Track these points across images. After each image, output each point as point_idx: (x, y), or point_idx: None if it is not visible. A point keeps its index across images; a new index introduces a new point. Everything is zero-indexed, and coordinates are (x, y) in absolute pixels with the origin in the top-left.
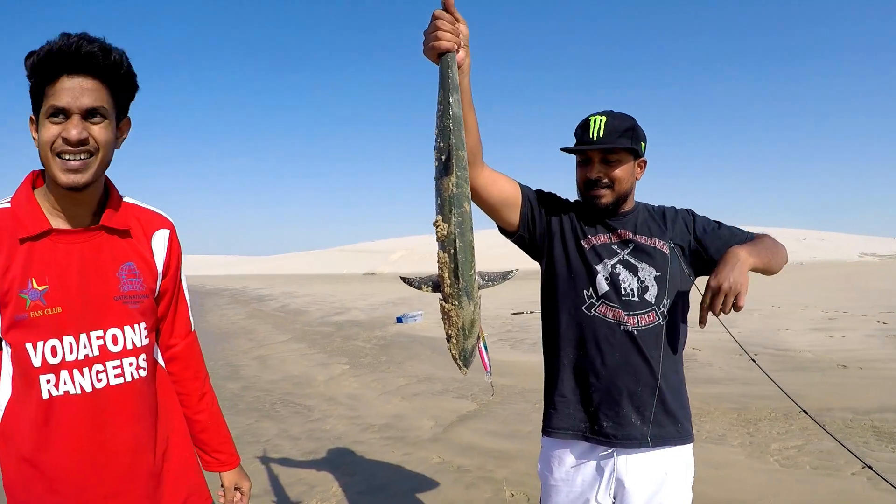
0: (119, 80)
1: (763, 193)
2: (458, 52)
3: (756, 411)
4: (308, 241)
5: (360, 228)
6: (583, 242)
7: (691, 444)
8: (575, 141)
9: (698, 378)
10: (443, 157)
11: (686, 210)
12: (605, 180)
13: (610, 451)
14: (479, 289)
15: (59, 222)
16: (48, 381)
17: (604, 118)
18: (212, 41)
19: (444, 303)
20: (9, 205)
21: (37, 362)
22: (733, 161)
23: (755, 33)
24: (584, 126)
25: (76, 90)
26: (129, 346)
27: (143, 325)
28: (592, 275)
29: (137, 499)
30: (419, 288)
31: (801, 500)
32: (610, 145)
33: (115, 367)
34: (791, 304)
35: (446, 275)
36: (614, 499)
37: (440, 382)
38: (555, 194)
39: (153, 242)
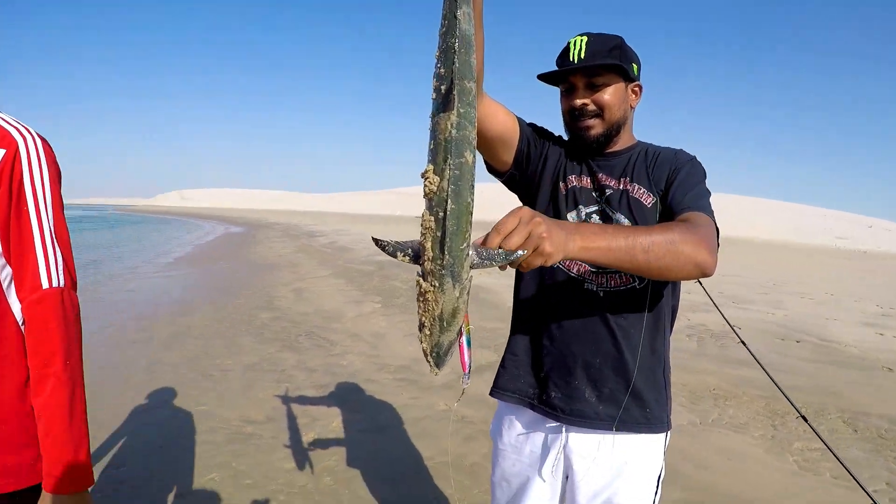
0: None
1: (832, 174)
2: None
3: (786, 403)
4: (367, 182)
5: (415, 172)
6: (560, 185)
7: (663, 434)
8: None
9: (730, 358)
10: (442, 88)
11: (684, 157)
12: (593, 107)
13: (558, 425)
14: (470, 268)
15: None
16: None
17: (584, 38)
18: None
19: (421, 280)
20: None
21: None
22: (799, 138)
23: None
24: (564, 50)
25: None
26: None
27: None
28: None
29: None
30: (394, 255)
31: None
32: (594, 64)
33: None
34: (845, 294)
35: (429, 245)
36: (566, 479)
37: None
38: (548, 130)
39: None
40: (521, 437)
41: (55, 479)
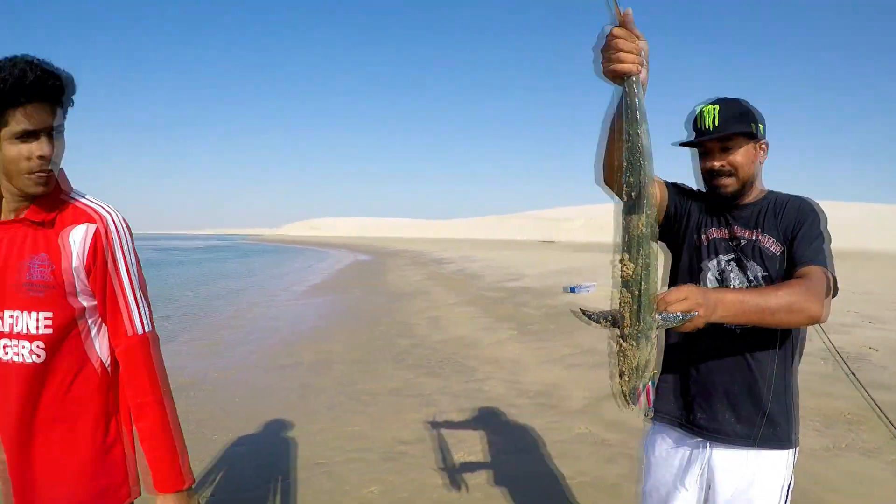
0: (68, 100)
1: None
2: (640, 72)
3: None
4: (488, 207)
5: (539, 196)
6: (701, 237)
7: (791, 450)
8: (690, 134)
9: (867, 381)
10: (633, 194)
11: (807, 209)
12: (728, 168)
13: (702, 441)
14: (656, 328)
15: (4, 214)
16: None
17: (716, 107)
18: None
19: (621, 341)
20: None
21: None
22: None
23: None
24: (695, 118)
25: (44, 115)
26: (24, 331)
27: (44, 314)
28: (703, 271)
29: (22, 472)
30: (597, 322)
31: None
32: (726, 132)
33: (15, 346)
34: None
35: (627, 315)
36: (708, 488)
37: (601, 355)
38: (687, 187)
39: (71, 236)
40: (670, 451)
41: (163, 482)
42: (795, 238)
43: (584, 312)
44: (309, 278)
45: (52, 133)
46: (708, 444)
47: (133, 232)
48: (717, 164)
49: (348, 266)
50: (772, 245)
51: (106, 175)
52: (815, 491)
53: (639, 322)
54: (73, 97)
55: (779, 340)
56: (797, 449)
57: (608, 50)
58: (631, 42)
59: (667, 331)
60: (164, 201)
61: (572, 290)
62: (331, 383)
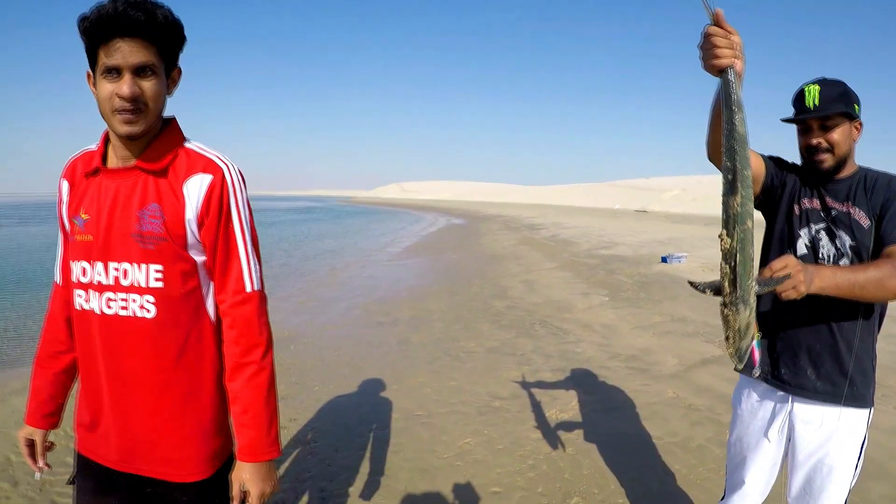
0: (165, 38)
1: None
2: (736, 65)
3: None
4: (583, 174)
5: (635, 164)
6: (794, 207)
7: (867, 410)
8: (794, 111)
9: None
10: (729, 177)
11: None
12: (825, 145)
13: (785, 395)
14: (754, 294)
15: (114, 162)
16: (79, 296)
17: (817, 87)
18: None
19: (723, 307)
20: (94, 147)
21: (74, 278)
22: None
23: None
24: (799, 97)
25: (125, 51)
26: (136, 284)
27: (154, 266)
28: (794, 238)
29: (126, 430)
30: (703, 291)
31: None
32: (826, 111)
33: (122, 300)
34: None
35: (726, 284)
36: (788, 441)
37: (692, 325)
38: (784, 160)
39: (186, 186)
40: (756, 404)
41: (251, 449)
42: (885, 216)
43: (691, 284)
44: (403, 240)
45: (139, 71)
46: (790, 399)
47: None
48: (815, 140)
49: (442, 229)
50: (862, 218)
51: (198, 131)
52: (893, 466)
53: (736, 290)
54: (180, 38)
55: (862, 311)
56: (873, 409)
57: (707, 47)
58: (725, 38)
59: (760, 299)
60: (258, 162)
61: (664, 259)
62: (429, 340)
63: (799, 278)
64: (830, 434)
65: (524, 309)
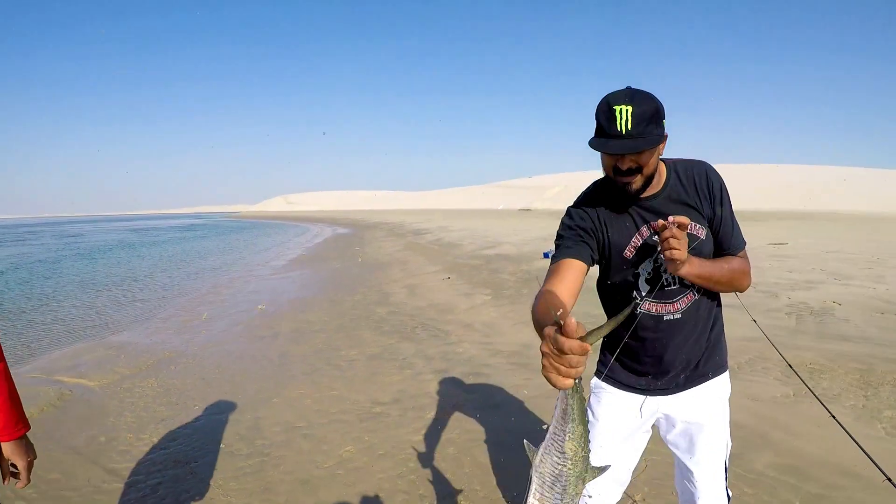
0: None
1: None
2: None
3: (881, 374)
4: (467, 177)
5: (517, 164)
6: (625, 253)
7: (727, 372)
8: (598, 129)
9: (829, 334)
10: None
11: (716, 183)
12: (636, 166)
13: (651, 394)
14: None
15: None
16: None
17: (629, 108)
18: None
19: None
20: None
21: None
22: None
23: None
24: (608, 116)
25: None
26: None
27: None
28: (635, 279)
29: None
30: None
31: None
32: (641, 146)
33: None
34: None
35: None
36: (662, 419)
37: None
38: (585, 214)
39: None
40: (615, 402)
41: (8, 430)
42: (719, 227)
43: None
44: (286, 253)
45: None
46: (657, 397)
47: (110, 213)
48: (626, 166)
49: (327, 239)
50: (697, 230)
51: (81, 157)
52: (776, 436)
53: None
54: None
55: (705, 305)
56: (728, 370)
57: (555, 366)
58: (581, 356)
59: (610, 311)
60: (140, 182)
61: (546, 255)
62: (310, 351)
63: (684, 244)
64: (697, 404)
65: (406, 314)
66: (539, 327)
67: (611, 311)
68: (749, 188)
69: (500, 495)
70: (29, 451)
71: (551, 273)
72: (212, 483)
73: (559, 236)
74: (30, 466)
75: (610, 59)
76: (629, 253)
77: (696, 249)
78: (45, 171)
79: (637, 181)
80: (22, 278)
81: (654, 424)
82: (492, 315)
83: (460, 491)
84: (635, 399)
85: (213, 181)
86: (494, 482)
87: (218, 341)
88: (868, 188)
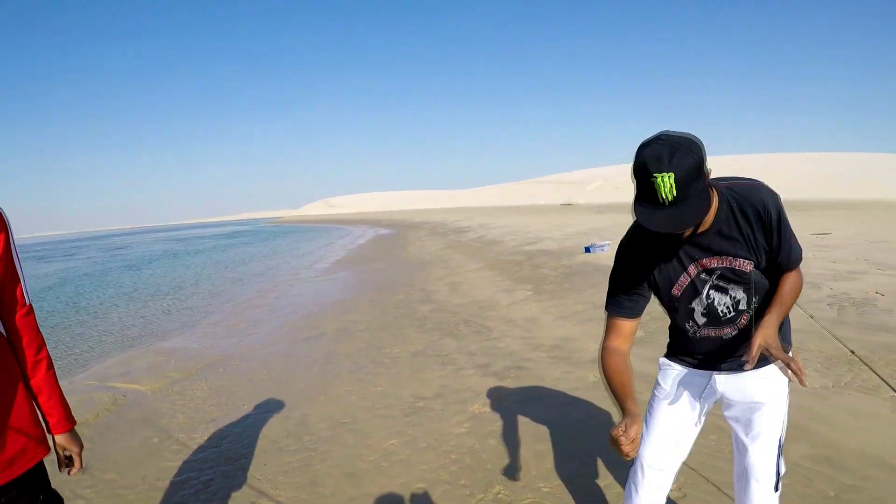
0: None
1: None
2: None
3: None
4: (508, 174)
5: (558, 159)
6: (673, 291)
7: (789, 352)
8: (639, 195)
9: (871, 324)
10: None
11: (772, 210)
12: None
13: (707, 372)
14: None
15: None
16: None
17: (671, 175)
18: None
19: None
20: None
21: None
22: None
23: None
24: (648, 188)
25: None
26: None
27: None
28: (690, 313)
29: None
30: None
31: None
32: (690, 222)
33: None
34: None
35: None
36: (716, 399)
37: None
38: (631, 261)
39: None
40: (676, 380)
41: (63, 422)
42: (777, 252)
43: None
44: (330, 255)
45: None
46: (712, 374)
47: (155, 224)
48: (676, 231)
49: (369, 241)
50: (744, 265)
51: (126, 171)
52: (814, 427)
53: None
54: None
55: (758, 315)
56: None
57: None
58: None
59: (673, 328)
60: (185, 192)
61: (588, 249)
62: (354, 349)
63: (777, 353)
64: (761, 384)
65: (448, 311)
66: (609, 392)
67: (672, 326)
68: (798, 177)
69: (540, 485)
70: (79, 440)
71: (610, 329)
72: (261, 477)
73: (612, 280)
74: (81, 453)
75: (651, 51)
76: (677, 290)
77: (749, 282)
78: (96, 187)
79: (688, 232)
80: (70, 292)
81: (717, 401)
82: (533, 310)
83: (500, 481)
84: (701, 375)
85: (256, 188)
86: (534, 472)
87: (264, 343)
88: None
